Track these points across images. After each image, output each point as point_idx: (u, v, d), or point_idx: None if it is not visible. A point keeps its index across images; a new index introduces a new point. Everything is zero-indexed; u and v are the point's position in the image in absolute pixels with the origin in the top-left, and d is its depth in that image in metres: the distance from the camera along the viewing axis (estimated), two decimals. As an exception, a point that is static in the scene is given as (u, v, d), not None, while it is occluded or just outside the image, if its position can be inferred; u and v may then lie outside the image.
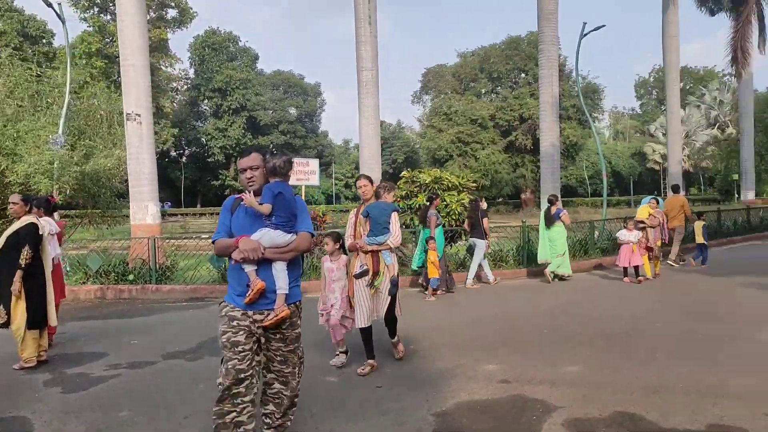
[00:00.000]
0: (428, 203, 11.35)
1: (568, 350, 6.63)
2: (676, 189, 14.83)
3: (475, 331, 7.79)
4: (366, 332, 6.01)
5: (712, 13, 30.59)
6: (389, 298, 6.01)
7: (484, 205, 12.25)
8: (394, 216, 6.09)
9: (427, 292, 10.52)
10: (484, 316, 8.72)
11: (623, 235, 11.79)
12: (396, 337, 6.41)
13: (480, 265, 11.89)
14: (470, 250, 12.15)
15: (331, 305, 6.19)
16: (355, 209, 6.39)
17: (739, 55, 28.82)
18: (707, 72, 75.46)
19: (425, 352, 6.71)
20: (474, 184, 15.34)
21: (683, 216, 14.02)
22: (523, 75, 49.60)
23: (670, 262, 13.82)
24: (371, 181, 6.30)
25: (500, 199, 52.98)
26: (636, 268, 11.49)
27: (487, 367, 6.03)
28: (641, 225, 11.96)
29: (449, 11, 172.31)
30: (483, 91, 51.55)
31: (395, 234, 6.04)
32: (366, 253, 6.02)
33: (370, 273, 5.96)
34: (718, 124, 63.82)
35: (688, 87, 70.29)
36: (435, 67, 54.87)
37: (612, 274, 12.47)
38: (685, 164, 56.29)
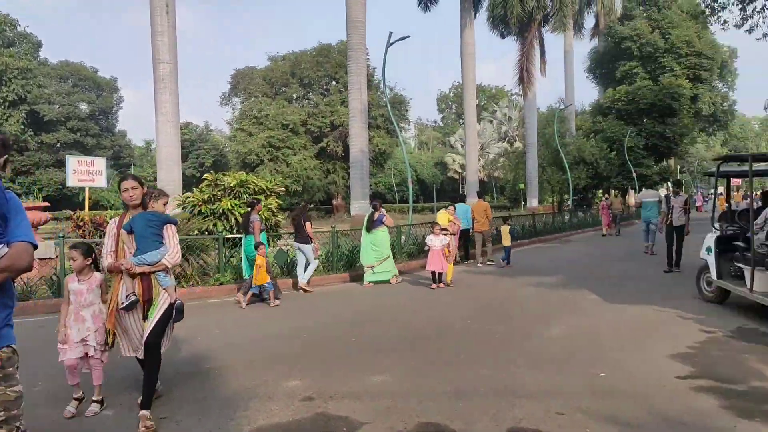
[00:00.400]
0: (249, 209, 10.72)
1: (374, 359, 6.39)
2: (480, 195, 15.99)
3: (278, 343, 7.26)
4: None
5: (503, 36, 33.53)
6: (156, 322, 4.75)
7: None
8: (170, 229, 4.90)
9: (267, 298, 9.98)
10: (291, 327, 8.21)
11: (431, 240, 11.78)
12: (150, 398, 4.72)
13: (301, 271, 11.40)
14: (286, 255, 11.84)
15: (81, 340, 4.87)
16: (117, 218, 5.02)
17: (525, 76, 31.91)
18: (498, 90, 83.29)
19: (221, 371, 6.02)
20: (283, 189, 14.84)
21: (487, 220, 15.02)
22: (334, 83, 50.19)
23: (480, 264, 14.84)
24: (141, 184, 4.92)
25: (312, 205, 53.03)
26: (440, 274, 11.54)
27: (289, 384, 5.54)
28: (445, 231, 12.09)
29: (260, 13, 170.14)
30: (294, 96, 51.25)
31: (172, 250, 4.83)
32: (133, 276, 4.72)
33: (141, 302, 4.75)
34: (507, 138, 70.57)
35: (482, 103, 76.91)
36: (245, 69, 53.27)
37: (422, 280, 12.66)
38: (481, 174, 61.31)
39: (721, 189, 30.76)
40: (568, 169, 31.86)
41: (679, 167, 59.35)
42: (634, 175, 36.98)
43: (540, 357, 6.30)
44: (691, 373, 5.65)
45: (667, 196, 12.70)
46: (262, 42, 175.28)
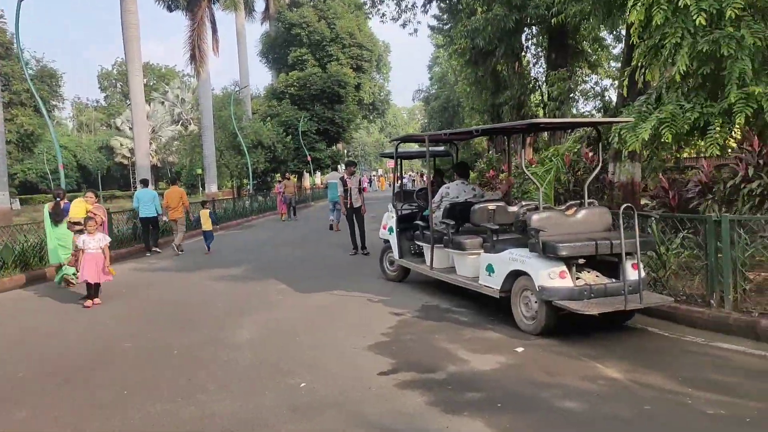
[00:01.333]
0: None
1: (10, 399, 4.57)
2: (173, 181, 15.58)
3: None
4: None
5: (170, 9, 31.06)
6: None
7: None
8: None
9: None
10: None
11: (84, 241, 8.56)
12: None
13: None
14: None
15: None
16: None
17: (197, 54, 30.11)
18: (169, 70, 78.66)
19: None
20: None
21: (183, 207, 14.38)
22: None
23: (174, 247, 14.04)
24: None
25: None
26: (96, 286, 8.60)
27: None
28: (78, 227, 9.10)
29: None
30: None
31: None
32: None
33: None
34: (181, 121, 67.14)
35: (152, 83, 71.69)
36: None
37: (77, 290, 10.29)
38: (153, 158, 57.11)
39: (381, 171, 33.74)
40: (246, 153, 31.27)
41: (346, 151, 64.16)
42: (309, 159, 38.34)
43: (231, 373, 5.28)
44: (392, 366, 5.27)
45: (342, 179, 12.50)
46: None
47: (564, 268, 5.93)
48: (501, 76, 27.98)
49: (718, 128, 7.56)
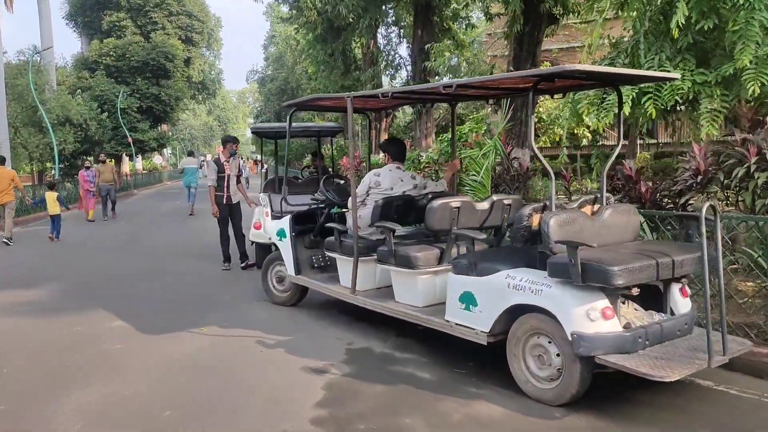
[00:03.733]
0: None
1: None
2: (2, 161, 13.04)
3: None
4: None
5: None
6: None
7: None
8: None
9: None
10: None
11: None
12: None
13: None
14: None
15: None
16: None
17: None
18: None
19: None
20: None
21: (13, 190, 12.77)
22: None
23: (5, 240, 12.15)
24: None
25: None
26: None
27: None
28: None
29: None
30: None
31: None
32: None
33: None
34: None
35: None
36: None
37: None
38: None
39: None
40: (51, 131, 25.77)
41: (171, 134, 58.23)
42: (130, 140, 33.21)
43: None
44: None
45: (217, 160, 8.65)
46: None
47: (608, 302, 3.80)
48: (353, 54, 25.99)
49: (716, 103, 6.02)
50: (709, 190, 5.76)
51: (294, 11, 24.76)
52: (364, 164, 18.53)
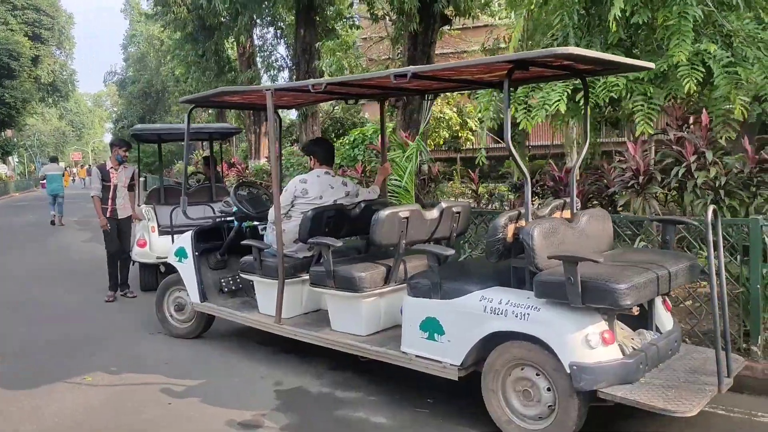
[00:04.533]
0: None
1: None
2: None
3: None
4: None
5: None
6: None
7: None
8: None
9: None
10: None
11: None
12: None
13: None
14: None
15: None
16: None
17: None
18: None
19: None
20: None
21: None
22: None
23: None
24: None
25: None
26: None
27: None
28: None
29: None
30: None
31: None
32: None
33: None
34: None
35: None
36: None
37: None
38: None
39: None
40: None
41: (16, 140, 52.39)
42: (-32, 147, 29.19)
43: None
44: None
45: (101, 168, 7.21)
46: None
47: (607, 325, 3.27)
48: (226, 55, 24.64)
49: (647, 102, 5.80)
50: (649, 190, 5.49)
51: (159, 7, 22.92)
52: (247, 171, 17.40)
